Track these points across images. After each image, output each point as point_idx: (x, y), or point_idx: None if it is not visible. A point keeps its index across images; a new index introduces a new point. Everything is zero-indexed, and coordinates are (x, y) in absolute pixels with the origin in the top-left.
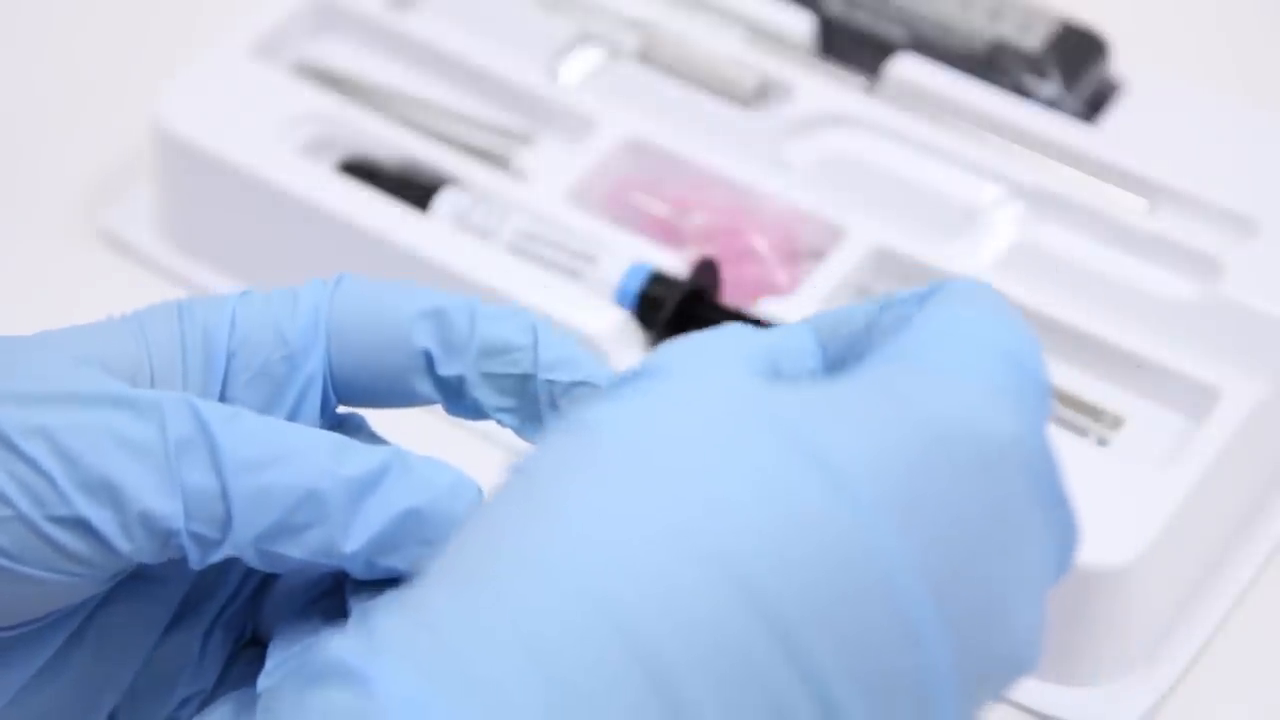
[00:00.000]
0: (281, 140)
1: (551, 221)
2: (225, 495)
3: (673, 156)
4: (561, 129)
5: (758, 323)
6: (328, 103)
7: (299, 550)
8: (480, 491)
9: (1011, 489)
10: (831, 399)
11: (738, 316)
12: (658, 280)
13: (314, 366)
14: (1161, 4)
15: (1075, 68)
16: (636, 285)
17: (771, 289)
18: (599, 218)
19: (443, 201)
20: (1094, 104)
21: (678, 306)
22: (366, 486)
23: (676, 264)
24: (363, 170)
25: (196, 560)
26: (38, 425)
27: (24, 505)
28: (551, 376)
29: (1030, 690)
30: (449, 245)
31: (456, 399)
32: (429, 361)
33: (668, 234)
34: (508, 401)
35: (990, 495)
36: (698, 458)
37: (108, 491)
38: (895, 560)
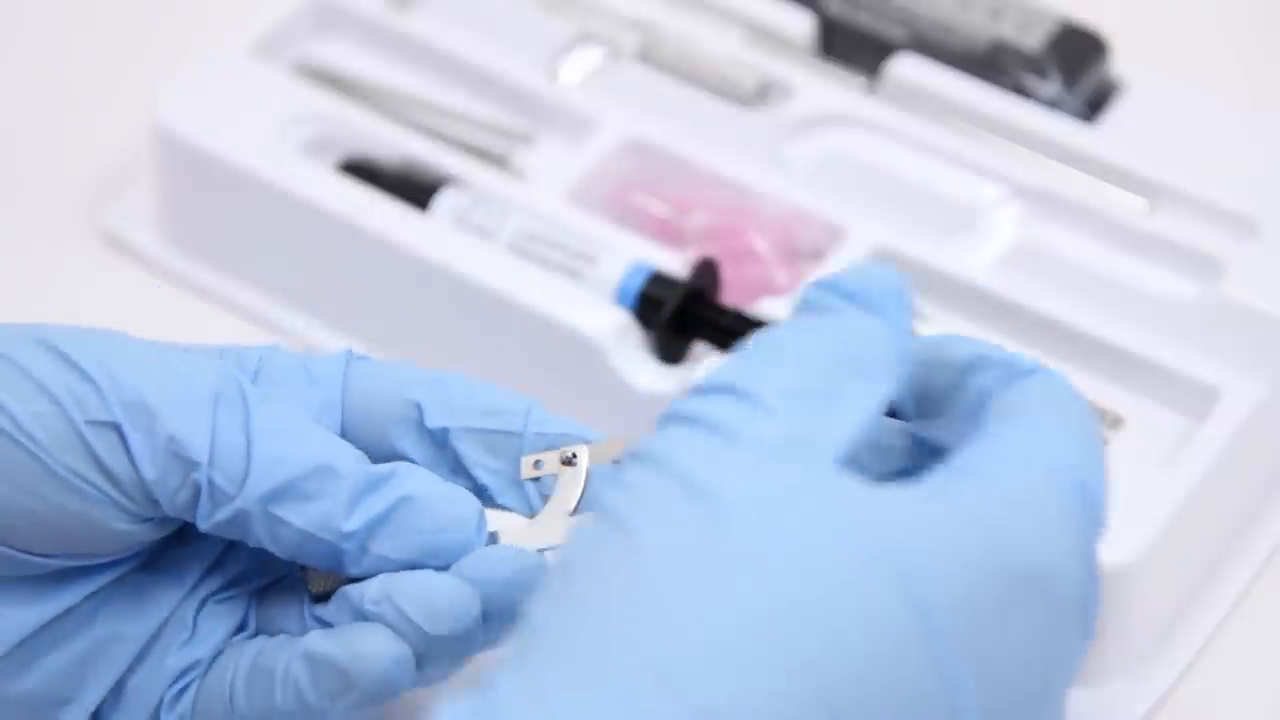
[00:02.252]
0: (281, 140)
1: (551, 221)
2: (248, 453)
3: (673, 156)
4: (561, 129)
5: (758, 323)
6: (328, 103)
7: (301, 518)
8: (479, 508)
9: (1074, 631)
10: (924, 521)
11: (738, 316)
12: (658, 280)
13: (333, 387)
14: (1161, 4)
15: (1075, 68)
16: (636, 285)
17: (771, 289)
18: (599, 218)
19: (443, 201)
20: (1094, 104)
21: (678, 306)
22: (377, 480)
23: (676, 264)
24: (363, 170)
25: (205, 512)
26: (94, 351)
27: (68, 404)
28: (541, 429)
29: None
30: (449, 245)
31: (438, 451)
32: (419, 415)
33: (668, 234)
34: (492, 461)
35: (1057, 640)
36: (801, 568)
37: (144, 413)
38: (964, 701)
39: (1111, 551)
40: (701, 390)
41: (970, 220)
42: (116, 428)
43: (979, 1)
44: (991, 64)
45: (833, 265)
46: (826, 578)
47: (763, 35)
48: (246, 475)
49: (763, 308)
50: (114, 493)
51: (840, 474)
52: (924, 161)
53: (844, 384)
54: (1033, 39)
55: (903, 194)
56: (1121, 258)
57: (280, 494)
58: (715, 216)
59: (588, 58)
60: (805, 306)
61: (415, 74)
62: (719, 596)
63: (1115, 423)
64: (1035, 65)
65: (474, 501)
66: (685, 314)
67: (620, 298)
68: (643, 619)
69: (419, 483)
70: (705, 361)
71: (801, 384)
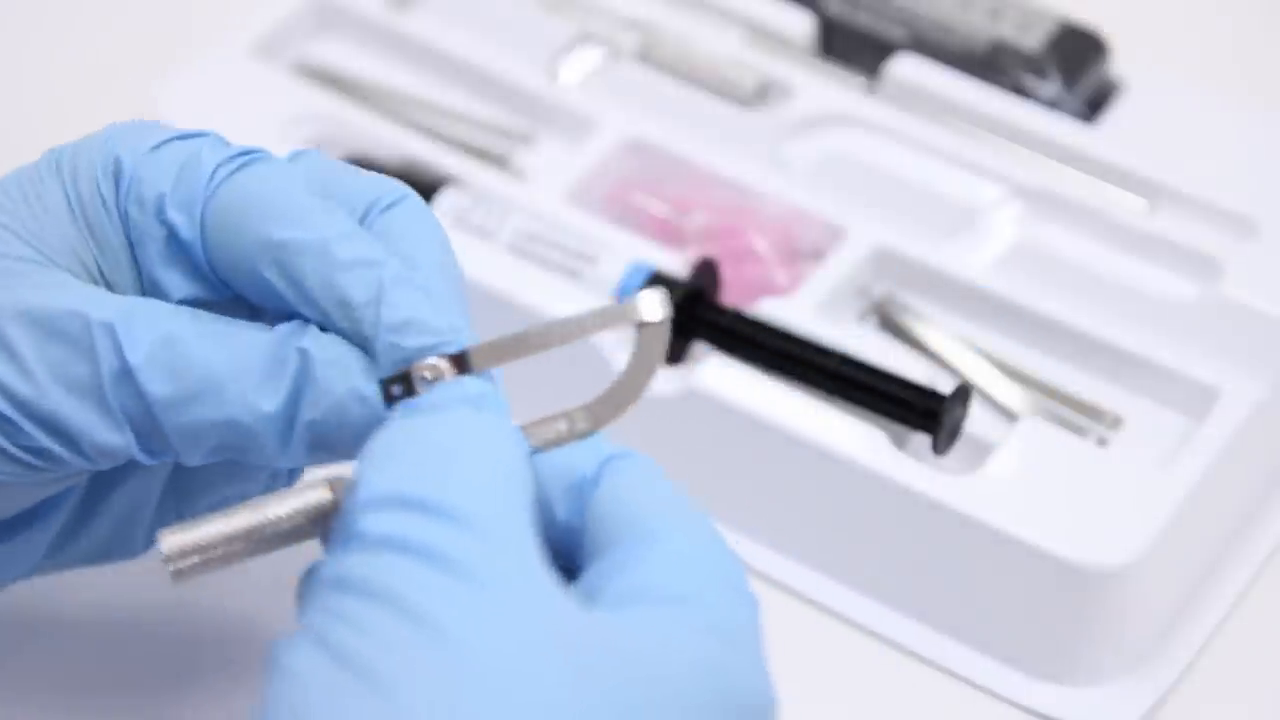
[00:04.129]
0: (281, 140)
1: (551, 221)
2: (161, 430)
3: (673, 156)
4: (561, 129)
5: (758, 323)
6: (328, 103)
7: (244, 460)
8: (363, 366)
9: None
10: (655, 665)
11: (738, 316)
12: (658, 280)
13: (187, 231)
14: (1161, 4)
15: (1075, 68)
16: (636, 285)
17: (771, 289)
18: (599, 218)
19: (443, 201)
20: (1094, 104)
21: (678, 306)
22: (286, 417)
23: (676, 264)
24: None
25: (154, 462)
26: None
27: None
28: (395, 340)
29: (1030, 690)
30: None
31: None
32: (277, 292)
33: (668, 234)
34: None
35: None
36: (533, 696)
37: (63, 432)
38: None
39: (1111, 551)
40: (387, 503)
41: (970, 220)
42: (47, 451)
43: (979, 1)
44: (991, 64)
45: (833, 265)
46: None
47: (763, 35)
48: (170, 446)
49: (763, 308)
50: (56, 472)
51: (560, 599)
52: (924, 161)
53: (514, 486)
54: (1033, 39)
55: (903, 194)
56: (1121, 258)
57: (213, 455)
58: (715, 216)
59: (588, 58)
60: (414, 409)
61: (415, 74)
62: None
63: (1115, 423)
64: (1035, 65)
65: (358, 360)
66: (685, 314)
67: (620, 298)
68: None
69: (326, 397)
70: (705, 361)
71: (484, 493)
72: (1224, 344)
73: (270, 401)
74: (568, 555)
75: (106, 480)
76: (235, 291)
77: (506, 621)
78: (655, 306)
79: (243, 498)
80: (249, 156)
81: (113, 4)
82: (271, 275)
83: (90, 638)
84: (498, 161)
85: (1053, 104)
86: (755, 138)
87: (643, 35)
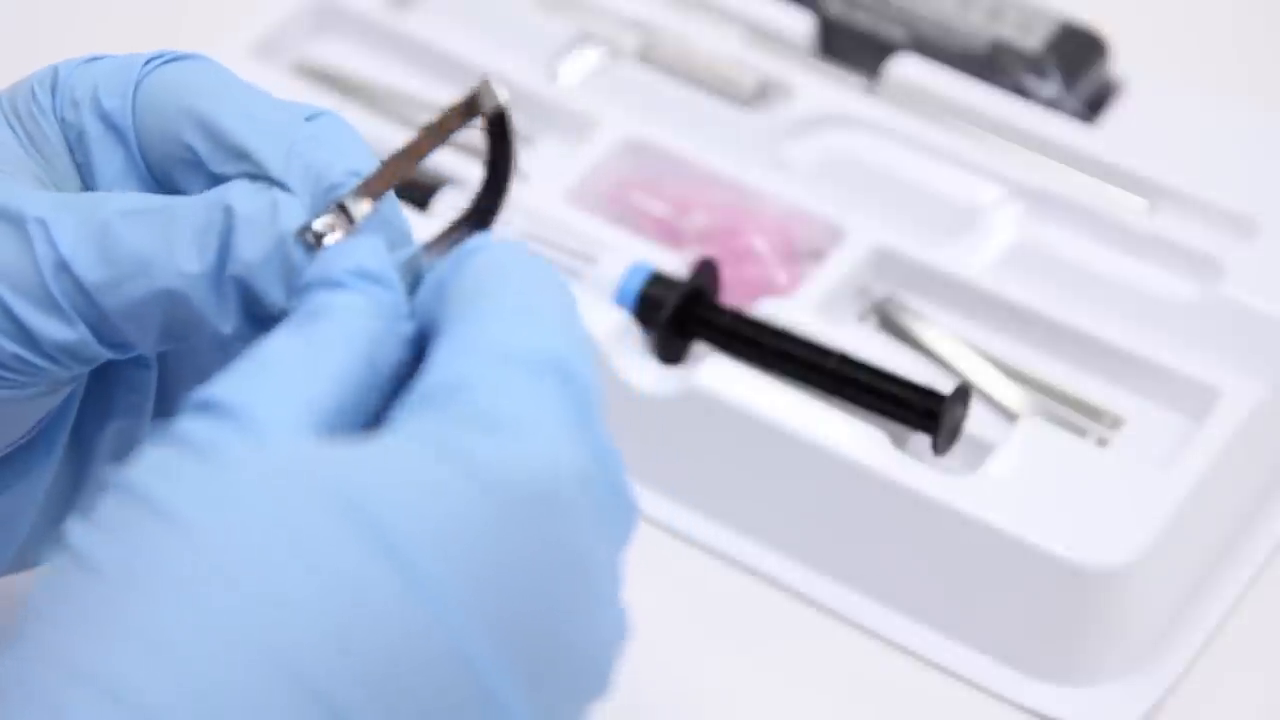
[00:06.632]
0: None
1: (551, 221)
2: (105, 315)
3: (673, 156)
4: (561, 129)
5: (758, 323)
6: (328, 103)
7: (196, 337)
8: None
9: (581, 520)
10: (392, 464)
11: (737, 316)
12: (658, 280)
13: (122, 122)
14: (1161, 4)
15: (1075, 68)
16: (636, 285)
17: (771, 289)
18: (599, 218)
19: (443, 201)
20: (1094, 104)
21: (677, 306)
22: (216, 277)
23: (676, 264)
24: None
25: (118, 356)
26: None
27: None
28: (306, 176)
29: (1030, 690)
30: None
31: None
32: (200, 157)
33: (668, 234)
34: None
35: (562, 538)
36: (262, 551)
37: (23, 333)
38: (469, 642)
39: (1111, 551)
40: (184, 409)
41: (970, 220)
42: (13, 352)
43: (979, 1)
44: (991, 64)
45: (832, 265)
46: (286, 556)
47: (763, 35)
48: (125, 338)
49: (763, 308)
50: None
51: (300, 445)
52: (924, 161)
53: (311, 362)
54: (1033, 39)
55: (903, 194)
56: (1121, 258)
57: (164, 337)
58: (715, 216)
59: (588, 58)
60: (298, 315)
61: (415, 74)
62: (176, 612)
63: (1115, 423)
64: (1035, 65)
65: (282, 211)
66: (685, 314)
67: (620, 298)
68: (100, 653)
69: (257, 241)
70: (705, 361)
71: (273, 379)
72: (1224, 344)
73: (197, 263)
74: None
75: (93, 419)
76: (168, 189)
77: (238, 498)
78: (495, 91)
79: None
80: (182, 53)
81: (111, 4)
82: (193, 139)
83: None
84: None
85: (1053, 104)
86: (755, 138)
87: (643, 35)
